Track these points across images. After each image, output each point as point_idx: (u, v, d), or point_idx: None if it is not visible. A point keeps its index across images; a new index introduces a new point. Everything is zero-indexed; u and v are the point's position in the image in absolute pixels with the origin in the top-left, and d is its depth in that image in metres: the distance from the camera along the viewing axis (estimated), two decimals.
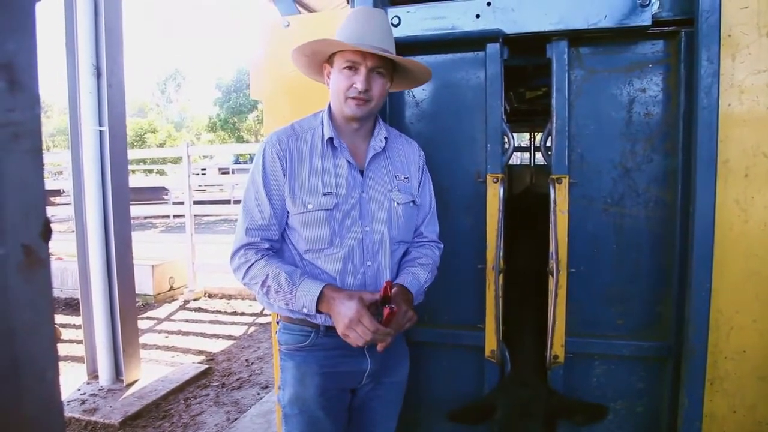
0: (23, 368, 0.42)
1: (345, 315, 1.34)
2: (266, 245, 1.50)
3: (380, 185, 1.55)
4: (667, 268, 1.77)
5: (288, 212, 1.49)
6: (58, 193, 15.22)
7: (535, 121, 5.21)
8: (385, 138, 1.58)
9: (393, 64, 1.52)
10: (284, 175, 1.47)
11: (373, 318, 1.34)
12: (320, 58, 1.55)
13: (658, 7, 1.63)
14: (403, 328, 1.42)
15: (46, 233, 0.44)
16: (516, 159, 8.28)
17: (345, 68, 1.45)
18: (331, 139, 1.50)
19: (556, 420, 1.74)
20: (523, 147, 7.45)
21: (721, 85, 1.56)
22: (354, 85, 1.45)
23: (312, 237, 1.47)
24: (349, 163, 1.51)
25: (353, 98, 1.46)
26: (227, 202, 14.93)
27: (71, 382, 3.80)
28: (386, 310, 1.34)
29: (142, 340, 4.46)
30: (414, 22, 1.81)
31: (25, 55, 0.42)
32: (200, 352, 4.66)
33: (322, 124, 1.53)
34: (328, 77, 1.53)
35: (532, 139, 6.54)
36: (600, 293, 1.84)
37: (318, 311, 1.40)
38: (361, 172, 1.53)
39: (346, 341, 1.38)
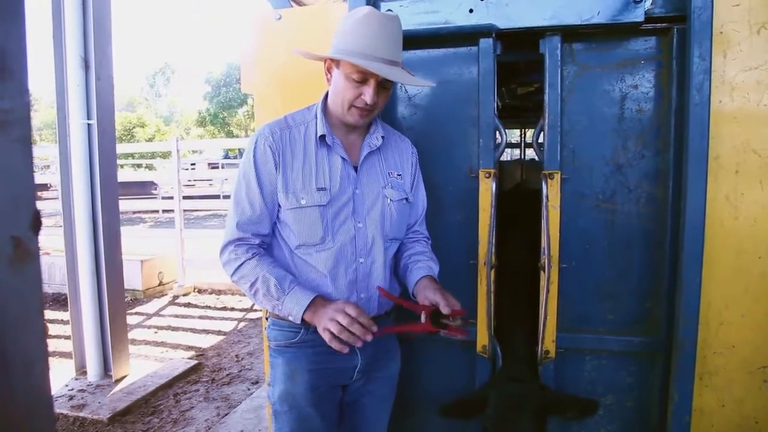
0: (12, 362, 0.41)
1: (329, 313, 1.34)
2: (257, 240, 1.47)
3: (374, 182, 1.53)
4: (657, 263, 1.78)
5: (279, 207, 1.47)
6: (45, 187, 15.05)
7: (526, 117, 5.22)
8: (383, 137, 1.57)
9: None
10: (277, 168, 1.44)
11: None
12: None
13: (651, 4, 1.64)
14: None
15: (36, 225, 0.43)
16: (506, 155, 8.31)
17: (353, 78, 1.40)
18: (323, 136, 1.47)
19: (547, 415, 1.75)
20: (512, 143, 7.47)
21: (712, 82, 1.56)
22: (362, 97, 1.41)
23: (304, 233, 1.45)
24: (343, 159, 1.49)
25: (358, 108, 1.44)
26: (217, 197, 14.85)
27: (59, 377, 3.77)
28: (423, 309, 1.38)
29: (130, 335, 4.43)
30: (407, 17, 1.80)
31: (15, 42, 0.41)
32: (190, 348, 4.64)
33: (316, 119, 1.50)
34: (329, 72, 1.49)
35: (523, 135, 6.56)
36: (591, 289, 1.85)
37: (303, 321, 1.40)
38: (355, 168, 1.52)
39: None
